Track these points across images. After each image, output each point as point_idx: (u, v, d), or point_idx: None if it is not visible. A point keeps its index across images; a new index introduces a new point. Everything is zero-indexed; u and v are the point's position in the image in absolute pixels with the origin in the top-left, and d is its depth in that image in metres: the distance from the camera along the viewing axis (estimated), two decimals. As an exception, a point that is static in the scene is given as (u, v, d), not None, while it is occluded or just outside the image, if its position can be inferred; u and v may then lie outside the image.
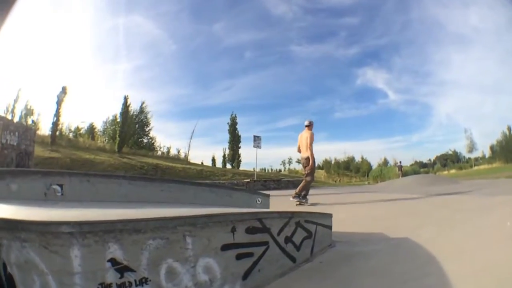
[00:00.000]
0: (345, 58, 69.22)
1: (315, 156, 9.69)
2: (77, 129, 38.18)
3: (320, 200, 10.21)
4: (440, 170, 57.76)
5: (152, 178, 4.45)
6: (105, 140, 36.54)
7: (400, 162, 38.02)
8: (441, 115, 79.75)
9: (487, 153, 57.31)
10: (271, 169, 69.90)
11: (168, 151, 41.84)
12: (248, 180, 23.08)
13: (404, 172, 35.05)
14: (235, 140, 43.04)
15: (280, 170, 69.99)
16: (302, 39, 74.44)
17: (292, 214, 3.11)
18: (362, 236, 4.68)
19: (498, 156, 48.72)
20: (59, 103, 30.27)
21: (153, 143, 41.50)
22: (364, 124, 77.11)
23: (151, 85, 63.86)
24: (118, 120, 34.35)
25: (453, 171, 59.38)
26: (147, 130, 41.00)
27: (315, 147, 9.82)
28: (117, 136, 32.52)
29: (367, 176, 50.17)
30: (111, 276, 1.92)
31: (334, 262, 3.37)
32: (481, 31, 62.36)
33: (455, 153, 71.80)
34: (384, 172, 39.65)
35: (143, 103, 40.08)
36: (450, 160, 71.73)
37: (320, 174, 53.20)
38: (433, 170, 48.45)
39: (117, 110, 35.04)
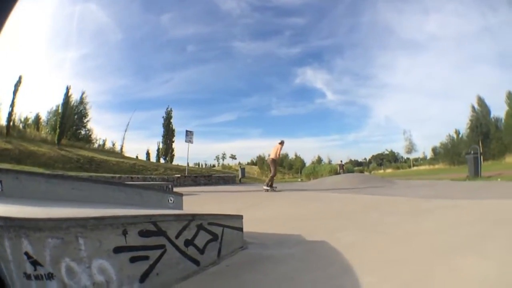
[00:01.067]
0: (286, 57, 71.07)
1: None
2: (26, 119, 37.61)
3: (248, 199, 10.31)
4: (375, 169, 60.43)
5: (66, 176, 4.31)
6: (48, 131, 36.04)
7: (342, 161, 39.17)
8: (380, 116, 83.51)
9: (429, 155, 60.74)
10: (205, 164, 70.27)
11: (104, 144, 42.19)
12: (179, 175, 23.31)
13: (345, 170, 36.18)
14: (169, 135, 43.98)
15: (213, 165, 70.40)
16: (246, 36, 75.69)
17: (193, 217, 3.10)
18: (278, 238, 4.61)
19: (441, 158, 51.66)
20: (15, 93, 30.35)
21: (90, 135, 41.43)
22: (300, 122, 79.38)
23: (94, 75, 62.65)
24: (60, 111, 34.38)
25: (389, 170, 62.33)
26: (85, 121, 40.87)
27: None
28: (57, 127, 32.40)
29: (300, 173, 51.18)
30: (29, 268, 2.17)
31: (241, 266, 3.31)
32: (438, 38, 65.75)
33: (392, 153, 75.42)
34: (317, 170, 40.63)
35: (83, 93, 40.15)
36: (387, 160, 75.12)
37: (253, 170, 53.86)
38: (368, 169, 50.81)
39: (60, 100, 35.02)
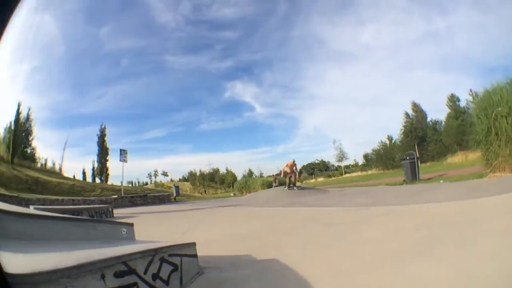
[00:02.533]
0: (216, 71, 71.89)
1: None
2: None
3: (188, 219, 10.49)
4: (307, 179, 61.87)
5: (34, 214, 4.29)
6: (4, 149, 34.22)
7: (274, 174, 39.90)
8: (309, 127, 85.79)
9: (360, 161, 63.22)
10: (138, 182, 69.06)
11: (46, 163, 40.59)
12: (116, 196, 23.39)
13: (278, 182, 36.84)
14: (103, 153, 43.08)
15: (146, 183, 69.47)
16: (178, 50, 75.94)
17: (155, 251, 3.28)
18: (230, 260, 4.81)
19: (374, 164, 53.92)
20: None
21: (34, 153, 39.79)
22: (230, 135, 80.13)
23: (39, 89, 59.35)
24: (13, 128, 33.61)
25: (321, 179, 64.24)
26: (30, 139, 39.14)
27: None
28: (10, 145, 31.77)
29: (232, 187, 51.56)
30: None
31: (204, 291, 3.51)
32: (371, 48, 68.62)
33: (323, 162, 77.50)
34: (249, 183, 41.14)
35: (29, 109, 38.31)
36: (318, 168, 77.27)
37: (186, 187, 53.83)
38: (300, 179, 51.71)
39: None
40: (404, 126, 52.44)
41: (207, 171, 66.80)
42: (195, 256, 4.15)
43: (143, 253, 3.10)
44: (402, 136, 52.53)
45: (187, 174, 66.07)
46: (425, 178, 18.44)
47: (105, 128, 44.40)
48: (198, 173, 66.05)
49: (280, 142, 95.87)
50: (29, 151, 39.08)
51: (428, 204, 8.03)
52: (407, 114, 52.94)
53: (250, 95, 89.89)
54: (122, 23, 66.71)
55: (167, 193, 30.21)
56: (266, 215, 10.40)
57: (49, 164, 41.14)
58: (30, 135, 39.13)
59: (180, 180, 67.88)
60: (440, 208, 7.28)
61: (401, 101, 64.23)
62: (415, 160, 18.73)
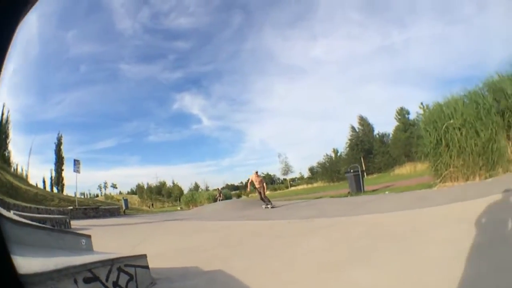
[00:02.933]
0: (167, 82, 70.99)
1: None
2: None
3: (138, 233, 10.77)
4: (252, 192, 62.26)
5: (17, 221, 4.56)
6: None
7: (219, 188, 40.51)
8: (255, 140, 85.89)
9: (306, 174, 64.08)
10: (89, 194, 67.49)
11: (17, 168, 38.70)
12: (72, 207, 23.61)
13: (223, 196, 37.32)
14: (60, 162, 41.58)
15: (97, 195, 68.01)
16: (133, 58, 74.51)
17: (112, 261, 3.61)
18: (179, 271, 5.19)
19: (320, 176, 54.71)
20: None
21: (9, 157, 37.81)
22: (177, 148, 79.18)
23: (15, 92, 56.92)
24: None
25: (267, 192, 64.71)
26: (7, 142, 37.85)
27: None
28: None
29: (179, 200, 51.51)
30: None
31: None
32: (321, 62, 69.61)
33: (268, 175, 78.03)
34: (195, 197, 41.44)
35: (8, 111, 37.04)
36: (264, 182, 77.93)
37: (134, 200, 53.30)
38: (246, 193, 51.94)
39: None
40: (349, 140, 53.53)
41: (154, 184, 65.89)
42: (147, 267, 4.54)
43: (102, 262, 3.47)
44: (347, 149, 53.49)
45: (135, 187, 65.54)
46: (370, 189, 19.06)
47: (61, 136, 42.77)
48: (145, 186, 65.09)
49: (226, 155, 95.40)
50: (6, 154, 37.94)
51: (371, 215, 8.53)
52: (353, 128, 54.26)
53: (198, 108, 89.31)
54: (86, 27, 65.26)
55: (116, 206, 30.26)
56: (213, 229, 10.72)
57: (19, 170, 39.99)
58: (7, 138, 38.14)
59: (128, 192, 66.95)
60: (383, 218, 7.67)
61: (350, 115, 65.44)
62: (359, 172, 19.38)
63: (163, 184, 64.06)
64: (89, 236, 5.26)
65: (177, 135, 79.14)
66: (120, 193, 66.65)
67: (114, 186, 74.55)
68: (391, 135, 50.63)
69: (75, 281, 2.92)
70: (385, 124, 63.78)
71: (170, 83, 71.28)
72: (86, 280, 3.07)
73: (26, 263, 2.78)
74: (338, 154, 55.36)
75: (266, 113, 77.27)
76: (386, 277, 3.70)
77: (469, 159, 11.89)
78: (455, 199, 8.41)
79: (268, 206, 17.50)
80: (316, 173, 58.13)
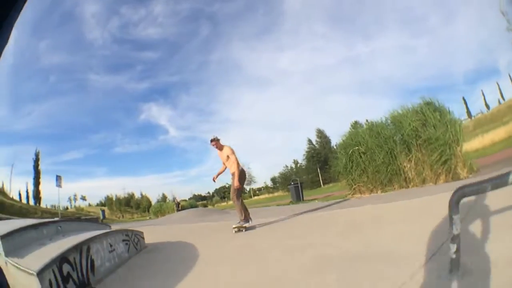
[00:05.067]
0: (134, 92, 71.78)
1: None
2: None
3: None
4: (218, 202, 64.72)
5: None
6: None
7: (176, 198, 43.48)
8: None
9: (270, 184, 67.15)
10: (60, 206, 68.50)
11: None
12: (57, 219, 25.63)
13: (181, 206, 40.76)
14: (37, 176, 42.57)
15: (67, 207, 68.91)
16: (101, 68, 74.79)
17: (126, 230, 7.34)
18: (158, 243, 8.95)
19: (280, 186, 58.26)
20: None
21: None
22: (144, 159, 79.51)
23: None
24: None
25: (231, 202, 66.95)
26: None
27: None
28: None
29: (148, 211, 53.60)
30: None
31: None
32: (288, 73, 71.60)
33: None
34: (163, 207, 44.02)
35: None
36: (229, 192, 79.92)
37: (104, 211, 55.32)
38: (212, 203, 53.97)
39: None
40: (306, 152, 57.31)
41: (123, 196, 67.40)
42: (143, 237, 8.15)
43: (117, 231, 6.97)
44: (305, 160, 57.35)
45: (104, 199, 66.65)
46: (309, 199, 22.97)
47: (39, 151, 43.75)
48: (114, 198, 66.88)
49: (193, 165, 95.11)
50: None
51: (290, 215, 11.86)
52: (310, 141, 57.87)
53: (165, 118, 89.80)
54: (58, 37, 66.13)
55: (96, 217, 33.92)
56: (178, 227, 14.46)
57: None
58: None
59: (97, 204, 68.16)
60: (299, 216, 11.42)
61: (314, 125, 67.03)
62: (299, 184, 23.78)
63: (131, 196, 65.52)
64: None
65: (145, 146, 79.54)
66: (89, 205, 68.05)
67: (83, 198, 75.72)
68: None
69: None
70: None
71: (138, 94, 71.47)
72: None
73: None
74: (298, 164, 58.99)
75: (232, 123, 78.75)
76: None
77: (369, 177, 15.34)
78: (342, 206, 12.49)
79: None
80: (277, 183, 61.71)
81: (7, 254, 5.00)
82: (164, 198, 62.62)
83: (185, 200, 43.85)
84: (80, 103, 72.22)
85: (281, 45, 74.92)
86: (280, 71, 71.72)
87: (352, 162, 16.16)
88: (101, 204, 66.89)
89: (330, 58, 72.71)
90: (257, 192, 68.45)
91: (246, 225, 10.26)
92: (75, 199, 72.66)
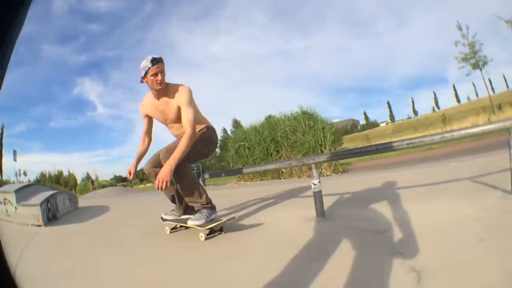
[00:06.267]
0: (74, 65, 72.02)
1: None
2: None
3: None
4: (137, 184, 67.16)
5: None
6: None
7: (91, 178, 47.01)
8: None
9: (192, 169, 70.63)
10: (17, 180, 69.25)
11: None
12: None
13: (96, 186, 43.46)
14: (1, 149, 47.46)
15: (13, 182, 69.62)
16: (53, 38, 74.29)
17: (64, 193, 11.02)
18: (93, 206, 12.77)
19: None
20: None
21: None
22: (72, 136, 78.97)
23: None
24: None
25: (149, 184, 70.04)
26: None
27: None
28: None
29: (75, 190, 55.64)
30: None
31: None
32: (218, 59, 74.80)
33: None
34: (88, 186, 47.13)
35: None
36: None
37: (40, 188, 56.94)
38: (131, 184, 56.37)
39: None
40: (220, 141, 59.46)
41: (53, 174, 69.11)
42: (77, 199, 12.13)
43: (57, 193, 11.34)
44: (219, 148, 60.29)
45: (39, 175, 68.64)
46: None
47: (4, 126, 49.00)
48: (47, 175, 68.03)
49: (116, 145, 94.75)
50: None
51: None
52: (224, 130, 58.16)
53: (95, 94, 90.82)
54: (35, 6, 67.03)
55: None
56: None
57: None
58: None
59: (34, 181, 69.53)
60: None
61: (232, 114, 68.09)
62: (201, 170, 27.62)
63: (60, 173, 67.43)
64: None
65: (74, 121, 79.75)
66: (29, 181, 69.31)
67: (25, 174, 76.50)
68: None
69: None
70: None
71: (77, 66, 72.67)
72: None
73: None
74: (217, 154, 63.15)
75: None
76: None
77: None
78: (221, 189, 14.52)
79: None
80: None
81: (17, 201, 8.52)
82: (88, 177, 65.20)
83: (106, 180, 46.74)
84: (29, 73, 71.62)
85: (218, 30, 78.50)
86: (212, 56, 75.34)
87: (238, 154, 19.30)
88: (37, 181, 68.58)
89: (264, 48, 76.90)
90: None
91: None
92: (19, 174, 74.31)
